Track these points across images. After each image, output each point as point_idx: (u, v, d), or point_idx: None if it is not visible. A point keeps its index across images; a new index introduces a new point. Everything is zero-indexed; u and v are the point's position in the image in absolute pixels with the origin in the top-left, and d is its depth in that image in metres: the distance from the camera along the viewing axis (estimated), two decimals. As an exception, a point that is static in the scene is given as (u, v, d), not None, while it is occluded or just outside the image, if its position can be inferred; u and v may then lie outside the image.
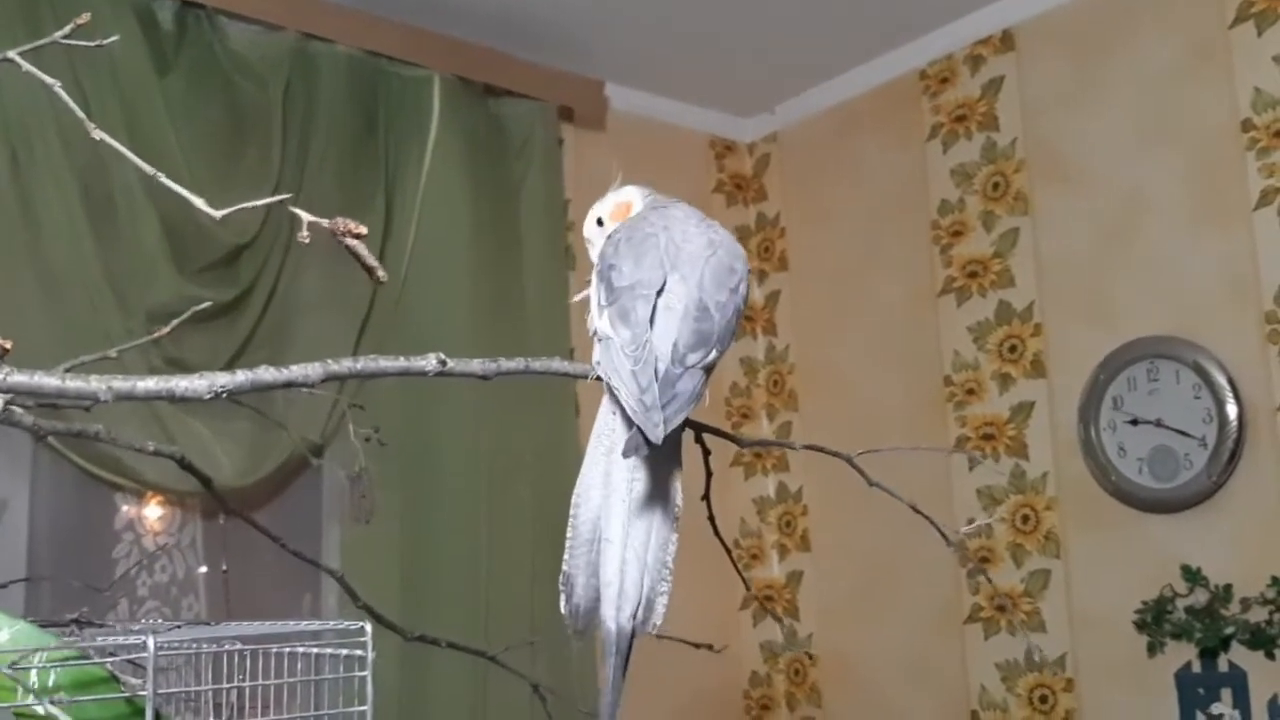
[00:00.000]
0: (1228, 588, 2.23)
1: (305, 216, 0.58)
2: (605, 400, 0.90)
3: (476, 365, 0.74)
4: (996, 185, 2.77)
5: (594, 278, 0.93)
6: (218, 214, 0.60)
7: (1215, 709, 2.23)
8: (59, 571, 2.03)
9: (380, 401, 2.34)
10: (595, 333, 0.90)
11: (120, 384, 0.62)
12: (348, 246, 0.59)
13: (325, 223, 0.58)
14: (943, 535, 1.05)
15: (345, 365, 0.66)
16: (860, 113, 3.12)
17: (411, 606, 2.36)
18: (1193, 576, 2.28)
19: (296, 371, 0.64)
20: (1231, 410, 2.26)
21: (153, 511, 2.17)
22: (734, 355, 3.24)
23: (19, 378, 0.61)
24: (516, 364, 0.78)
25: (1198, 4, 2.41)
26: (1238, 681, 2.21)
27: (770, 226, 3.30)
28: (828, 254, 3.16)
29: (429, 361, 0.70)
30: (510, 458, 2.55)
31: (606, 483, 0.87)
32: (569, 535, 0.87)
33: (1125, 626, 2.39)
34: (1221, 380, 2.28)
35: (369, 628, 0.81)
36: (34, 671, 0.69)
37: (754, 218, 3.34)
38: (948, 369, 2.82)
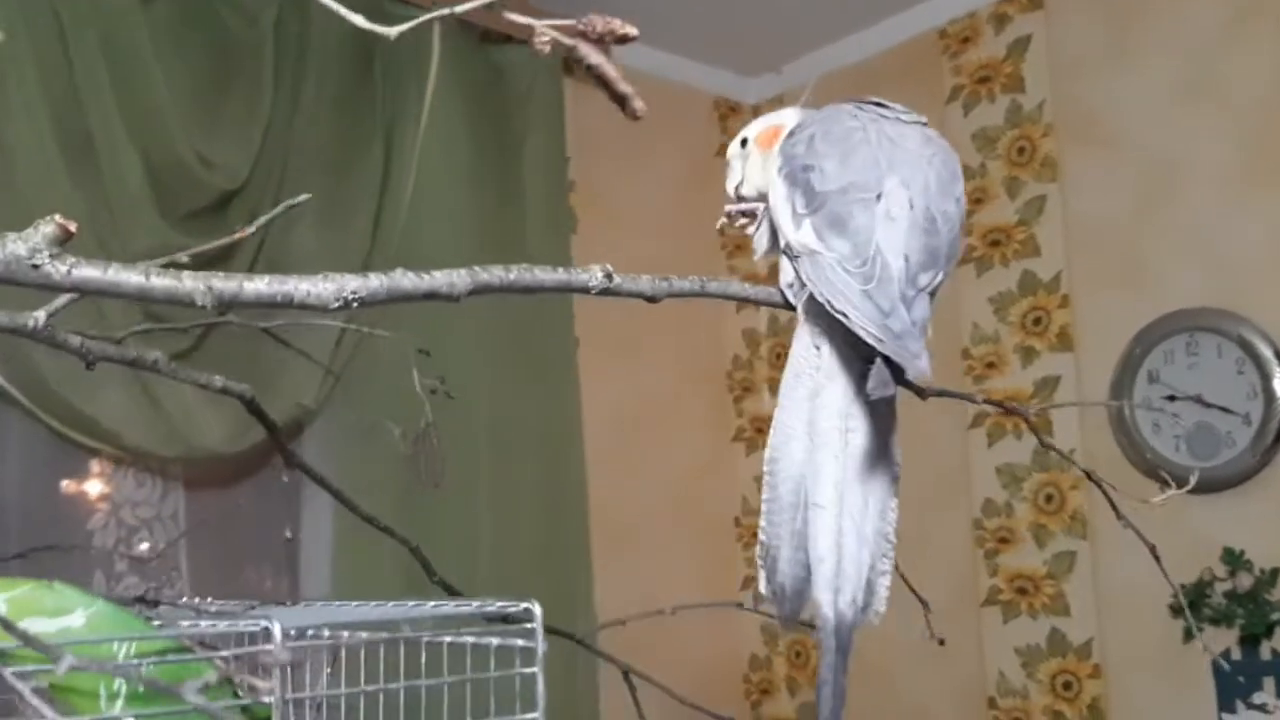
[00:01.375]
0: (1274, 571, 2.13)
1: (537, 24, 0.42)
2: (803, 332, 0.74)
3: (645, 283, 0.60)
4: (1022, 150, 2.64)
5: (779, 182, 0.77)
6: (391, 31, 0.44)
7: (1257, 698, 2.14)
8: (28, 546, 1.84)
9: (372, 373, 2.18)
10: (786, 247, 0.74)
11: (223, 284, 0.46)
12: (593, 67, 0.43)
13: (573, 25, 0.42)
14: (1115, 511, 0.91)
15: (497, 275, 0.51)
16: (874, 74, 2.98)
17: (413, 587, 2.20)
18: (1235, 559, 2.18)
19: (440, 279, 0.49)
20: (1279, 386, 2.16)
21: (132, 480, 1.99)
22: (736, 326, 3.10)
23: (88, 271, 0.45)
24: (690, 284, 0.64)
25: (1247, -40, 2.30)
26: (1282, 669, 2.12)
27: (776, 192, 3.15)
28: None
29: (593, 275, 0.55)
30: (511, 433, 2.39)
31: (812, 433, 0.71)
32: (765, 497, 0.72)
33: (1159, 611, 2.29)
34: (1268, 354, 2.18)
35: (539, 610, 0.64)
36: (119, 673, 0.53)
37: (758, 182, 3.20)
38: (966, 341, 2.70)
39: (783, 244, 0.76)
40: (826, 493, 0.70)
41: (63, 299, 0.69)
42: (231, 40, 2.13)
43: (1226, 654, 2.19)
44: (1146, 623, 2.32)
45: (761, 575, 0.72)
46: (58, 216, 0.46)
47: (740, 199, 0.87)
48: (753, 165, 0.86)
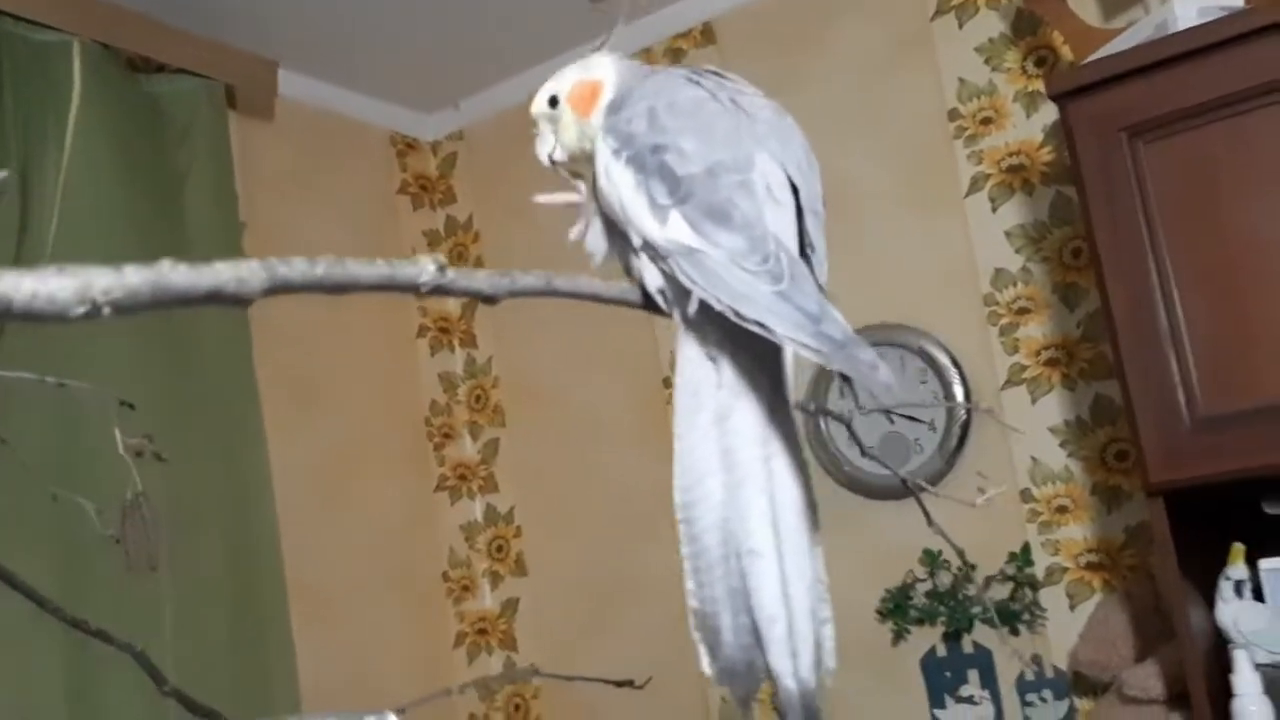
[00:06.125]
0: (972, 568, 2.26)
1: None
2: (689, 344, 0.63)
3: (483, 279, 0.48)
4: (705, 180, 2.69)
5: (620, 169, 0.66)
6: None
7: (964, 691, 2.25)
8: None
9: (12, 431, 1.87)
10: (646, 245, 0.64)
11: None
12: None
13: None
14: (928, 519, 0.89)
15: (299, 270, 0.39)
16: (554, 108, 2.95)
17: (78, 694, 1.91)
18: (933, 559, 2.29)
19: (226, 274, 0.36)
20: (958, 392, 2.30)
21: None
22: (430, 370, 2.96)
23: None
24: (535, 280, 0.52)
25: (899, -3, 2.46)
26: (984, 661, 2.24)
27: (463, 230, 3.06)
28: (528, 257, 2.95)
29: (423, 269, 0.44)
30: (189, 498, 2.14)
31: (729, 465, 0.59)
32: (686, 552, 0.59)
33: (868, 617, 2.37)
34: (946, 363, 2.32)
35: None
36: None
37: (443, 221, 3.09)
38: (667, 371, 2.71)
39: (638, 242, 0.65)
40: (762, 536, 0.58)
41: None
42: None
43: (932, 652, 2.30)
44: (855, 628, 2.39)
45: (703, 653, 0.60)
46: None
47: (553, 164, 0.76)
48: (566, 129, 0.74)
